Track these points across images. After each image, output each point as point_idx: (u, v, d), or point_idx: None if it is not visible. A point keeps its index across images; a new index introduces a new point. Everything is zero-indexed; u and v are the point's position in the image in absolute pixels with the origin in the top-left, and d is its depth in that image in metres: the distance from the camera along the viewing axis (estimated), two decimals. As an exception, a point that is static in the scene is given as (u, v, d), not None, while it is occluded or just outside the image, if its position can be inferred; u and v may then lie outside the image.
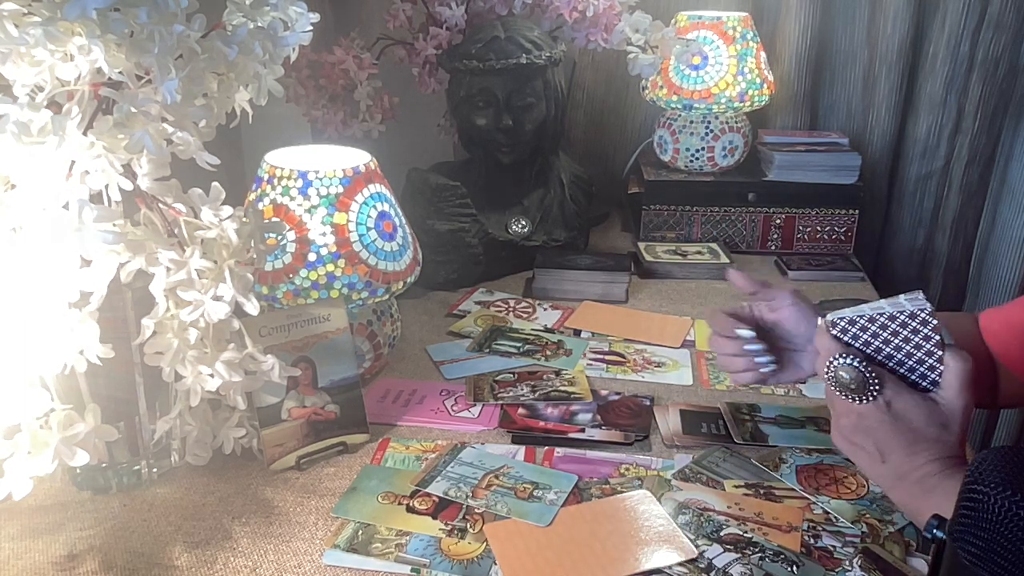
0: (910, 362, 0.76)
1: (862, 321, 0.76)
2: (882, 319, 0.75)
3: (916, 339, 0.75)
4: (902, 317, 0.75)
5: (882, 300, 0.78)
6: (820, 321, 0.78)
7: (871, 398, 0.74)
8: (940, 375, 0.75)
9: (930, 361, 0.75)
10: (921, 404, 0.74)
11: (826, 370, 0.76)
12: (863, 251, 1.63)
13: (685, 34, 1.52)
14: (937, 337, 0.74)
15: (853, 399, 0.75)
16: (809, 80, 1.66)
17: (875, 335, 0.76)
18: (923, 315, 0.74)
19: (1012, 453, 0.48)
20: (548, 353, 1.17)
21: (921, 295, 0.76)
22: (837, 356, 0.75)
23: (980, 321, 0.97)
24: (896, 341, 0.75)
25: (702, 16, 1.54)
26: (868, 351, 0.76)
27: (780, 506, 0.86)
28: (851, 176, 1.53)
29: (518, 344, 1.20)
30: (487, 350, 1.18)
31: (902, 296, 0.77)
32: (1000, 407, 1.09)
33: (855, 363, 0.74)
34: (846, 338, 0.77)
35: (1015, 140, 1.58)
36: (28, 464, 0.71)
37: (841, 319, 0.77)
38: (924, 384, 0.76)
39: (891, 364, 0.76)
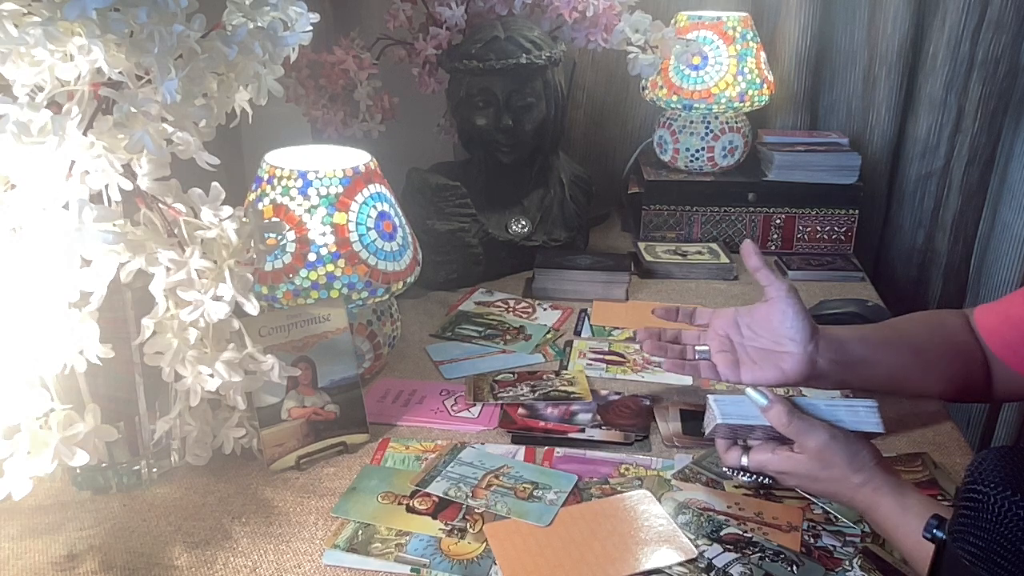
0: (766, 434, 0.83)
1: (722, 427, 0.84)
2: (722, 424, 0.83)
3: (750, 422, 0.82)
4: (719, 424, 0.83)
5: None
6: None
7: (768, 481, 0.84)
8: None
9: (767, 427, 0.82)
10: (787, 462, 0.80)
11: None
12: (863, 251, 1.63)
13: (685, 34, 1.51)
14: (755, 413, 0.81)
15: (763, 484, 0.87)
16: (809, 80, 1.66)
17: (734, 431, 0.84)
18: (721, 424, 0.82)
19: (1012, 453, 0.48)
20: (508, 338, 1.21)
21: (711, 400, 0.84)
22: (729, 471, 0.85)
23: (975, 317, 0.96)
24: (742, 432, 0.84)
25: (702, 16, 1.54)
26: (745, 441, 0.85)
27: (780, 506, 0.86)
28: (851, 176, 1.53)
29: (480, 329, 1.24)
30: (449, 334, 1.22)
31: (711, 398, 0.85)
32: (999, 401, 1.09)
33: (741, 474, 0.84)
34: (728, 435, 0.85)
35: (1015, 140, 1.58)
36: (28, 464, 0.71)
37: (717, 425, 0.84)
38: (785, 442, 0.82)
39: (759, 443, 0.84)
